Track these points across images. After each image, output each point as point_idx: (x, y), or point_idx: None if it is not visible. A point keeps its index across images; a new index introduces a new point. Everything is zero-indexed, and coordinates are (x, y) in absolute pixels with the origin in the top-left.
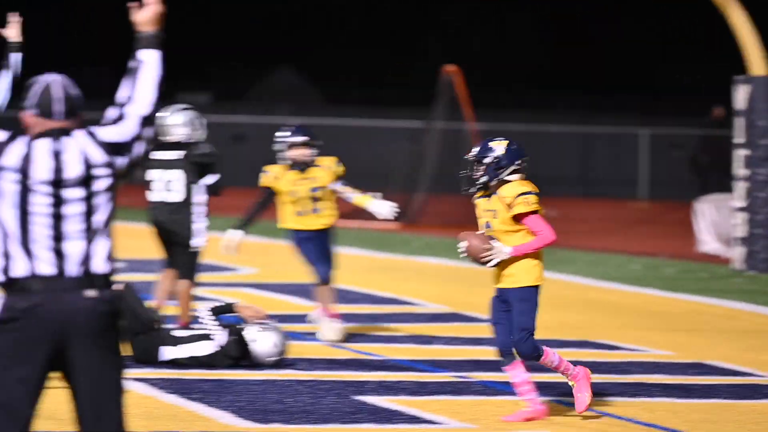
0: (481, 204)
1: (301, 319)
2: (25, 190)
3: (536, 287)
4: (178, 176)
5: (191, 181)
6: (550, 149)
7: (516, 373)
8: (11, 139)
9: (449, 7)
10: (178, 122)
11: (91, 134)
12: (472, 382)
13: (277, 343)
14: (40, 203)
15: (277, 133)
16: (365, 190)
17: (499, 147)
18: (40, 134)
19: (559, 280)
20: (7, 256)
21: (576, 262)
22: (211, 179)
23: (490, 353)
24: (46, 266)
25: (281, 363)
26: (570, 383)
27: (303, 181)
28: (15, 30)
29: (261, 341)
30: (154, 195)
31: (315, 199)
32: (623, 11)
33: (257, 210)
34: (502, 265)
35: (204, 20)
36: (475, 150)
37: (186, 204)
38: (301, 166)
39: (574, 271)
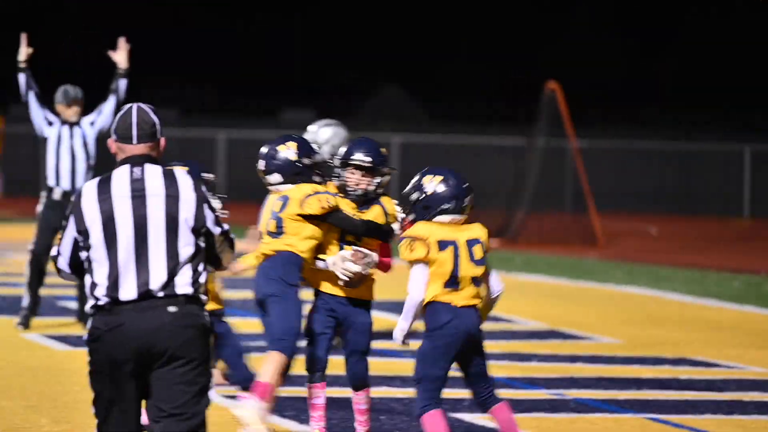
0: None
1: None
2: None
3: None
4: None
5: None
6: (650, 165)
7: (320, 392)
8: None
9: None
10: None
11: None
12: (568, 399)
13: None
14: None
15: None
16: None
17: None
18: (123, 161)
19: (657, 296)
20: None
21: (675, 278)
22: None
23: (586, 371)
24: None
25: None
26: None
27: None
28: (123, 55)
29: None
30: None
31: None
32: (729, 26)
33: None
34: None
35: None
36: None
37: None
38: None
39: (673, 288)
